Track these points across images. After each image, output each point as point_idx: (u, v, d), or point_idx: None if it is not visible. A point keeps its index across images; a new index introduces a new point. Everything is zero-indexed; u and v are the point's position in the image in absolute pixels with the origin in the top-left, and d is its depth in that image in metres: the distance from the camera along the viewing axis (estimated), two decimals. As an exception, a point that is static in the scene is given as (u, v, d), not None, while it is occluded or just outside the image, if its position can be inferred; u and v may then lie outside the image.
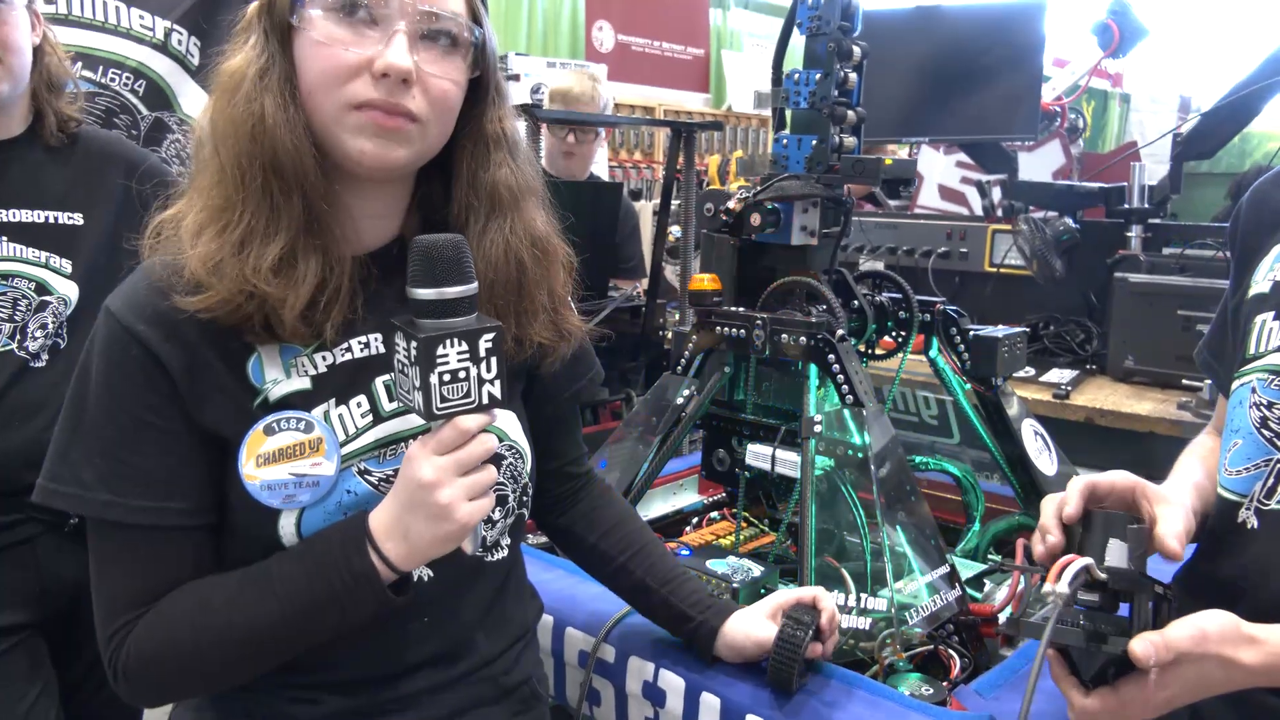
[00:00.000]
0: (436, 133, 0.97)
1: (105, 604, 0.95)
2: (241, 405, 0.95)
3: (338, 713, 1.02)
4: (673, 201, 2.90)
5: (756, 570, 1.48)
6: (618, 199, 3.04)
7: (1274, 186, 1.17)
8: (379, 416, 1.00)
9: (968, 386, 1.70)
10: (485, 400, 0.90)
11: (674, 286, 3.15)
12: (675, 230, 3.33)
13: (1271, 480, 1.02)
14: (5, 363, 1.54)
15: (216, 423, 0.94)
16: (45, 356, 1.57)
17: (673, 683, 1.24)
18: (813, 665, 1.20)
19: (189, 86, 2.26)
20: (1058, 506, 1.00)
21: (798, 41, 1.56)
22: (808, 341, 1.47)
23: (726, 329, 1.58)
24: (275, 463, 0.94)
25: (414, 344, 0.86)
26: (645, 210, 4.19)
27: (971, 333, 1.66)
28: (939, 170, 4.20)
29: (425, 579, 1.03)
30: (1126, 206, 2.86)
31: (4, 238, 1.55)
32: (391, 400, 1.00)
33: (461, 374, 0.88)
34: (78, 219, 1.62)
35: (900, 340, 1.69)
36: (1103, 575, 0.92)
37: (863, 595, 1.32)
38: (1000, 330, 1.66)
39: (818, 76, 1.51)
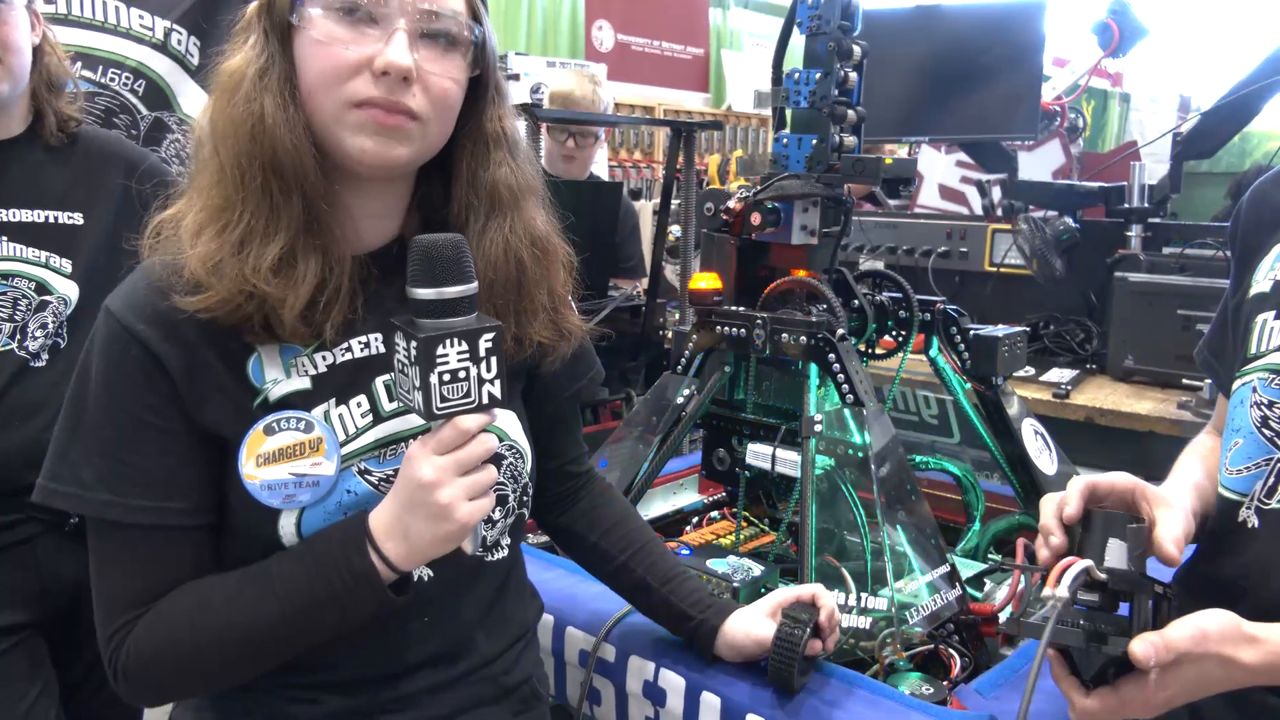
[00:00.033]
0: (437, 131, 0.97)
1: (105, 604, 0.95)
2: (241, 405, 0.95)
3: (338, 712, 1.02)
4: (673, 201, 2.90)
5: (757, 570, 1.48)
6: (617, 198, 3.04)
7: (1274, 186, 1.17)
8: (379, 416, 1.00)
9: (968, 386, 1.70)
10: (485, 400, 0.89)
11: (674, 286, 3.15)
12: (675, 230, 3.33)
13: (1272, 479, 1.02)
14: (5, 362, 1.54)
15: (216, 422, 0.94)
16: (45, 356, 1.57)
17: (673, 682, 1.24)
18: (813, 663, 1.20)
19: (189, 86, 2.26)
20: (1058, 506, 1.00)
21: (798, 41, 1.56)
22: (808, 341, 1.47)
23: (727, 328, 1.58)
24: (275, 462, 0.94)
25: (414, 344, 0.86)
26: (645, 210, 4.19)
27: (972, 332, 1.66)
28: (939, 170, 4.20)
29: (425, 579, 1.03)
30: (1126, 206, 2.86)
31: (4, 237, 1.55)
32: (392, 400, 1.00)
33: (461, 374, 0.88)
34: (78, 219, 1.62)
35: (900, 340, 1.69)
36: (1102, 575, 0.92)
37: (863, 594, 1.32)
38: (1000, 330, 1.66)
39: (818, 76, 1.51)
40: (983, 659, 1.39)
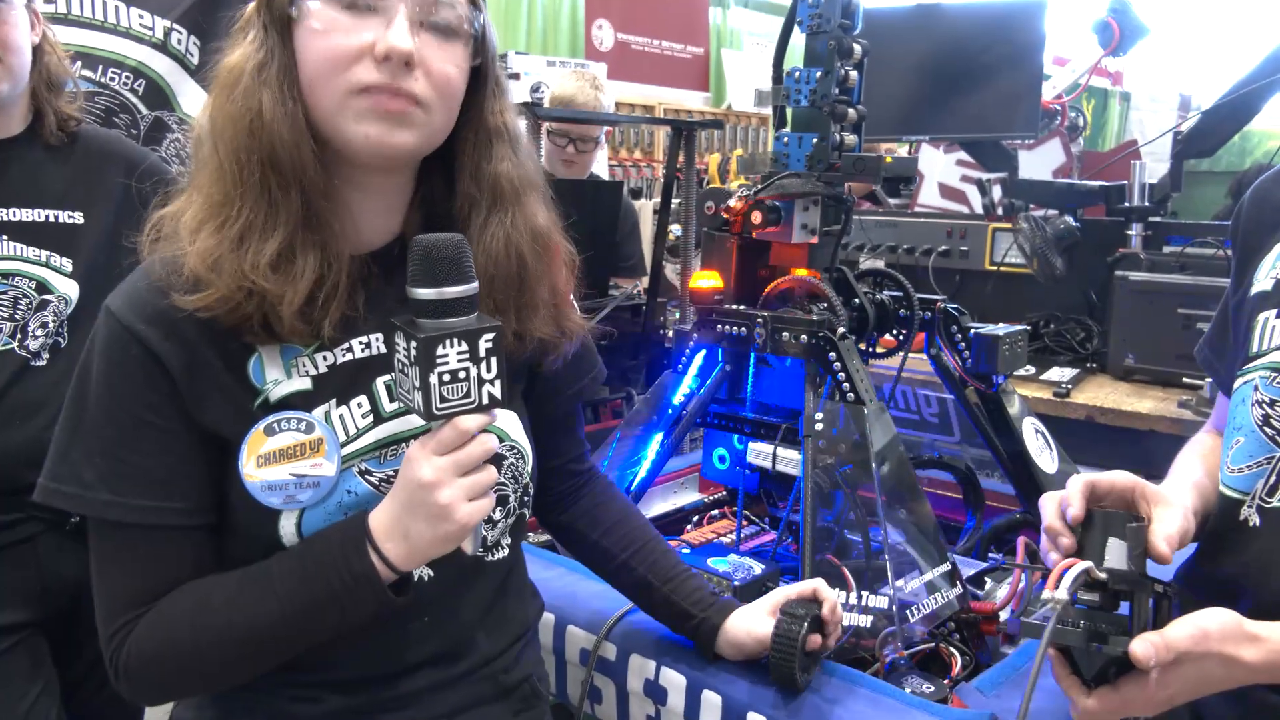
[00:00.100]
0: (441, 118, 0.97)
1: (106, 603, 0.95)
2: (242, 405, 0.95)
3: (338, 711, 1.02)
4: (673, 200, 2.90)
5: (757, 568, 1.48)
6: (618, 197, 3.03)
7: (1275, 184, 1.17)
8: (380, 417, 1.00)
9: (969, 385, 1.70)
10: (485, 400, 0.89)
11: (674, 285, 3.14)
12: (676, 229, 3.33)
13: (1273, 478, 1.02)
14: (6, 362, 1.54)
15: (216, 422, 0.94)
16: (46, 355, 1.57)
17: (674, 680, 1.24)
18: (816, 660, 1.19)
19: (188, 86, 2.26)
20: (1059, 506, 1.00)
21: (798, 40, 1.56)
22: (809, 339, 1.47)
23: (727, 327, 1.58)
24: (276, 463, 0.94)
25: (414, 344, 0.86)
26: (645, 209, 4.20)
27: (972, 331, 1.66)
28: (939, 168, 4.20)
29: (425, 579, 1.03)
30: (1127, 205, 2.85)
31: (4, 237, 1.55)
32: (392, 401, 1.00)
33: (461, 374, 0.87)
34: (78, 218, 1.62)
35: (901, 338, 1.69)
36: (1102, 575, 0.92)
37: (864, 593, 1.32)
38: (1001, 328, 1.66)
39: (818, 74, 1.51)
40: (983, 657, 1.39)
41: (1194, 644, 0.87)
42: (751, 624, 1.21)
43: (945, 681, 1.27)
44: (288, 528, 0.95)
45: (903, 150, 3.93)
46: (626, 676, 1.29)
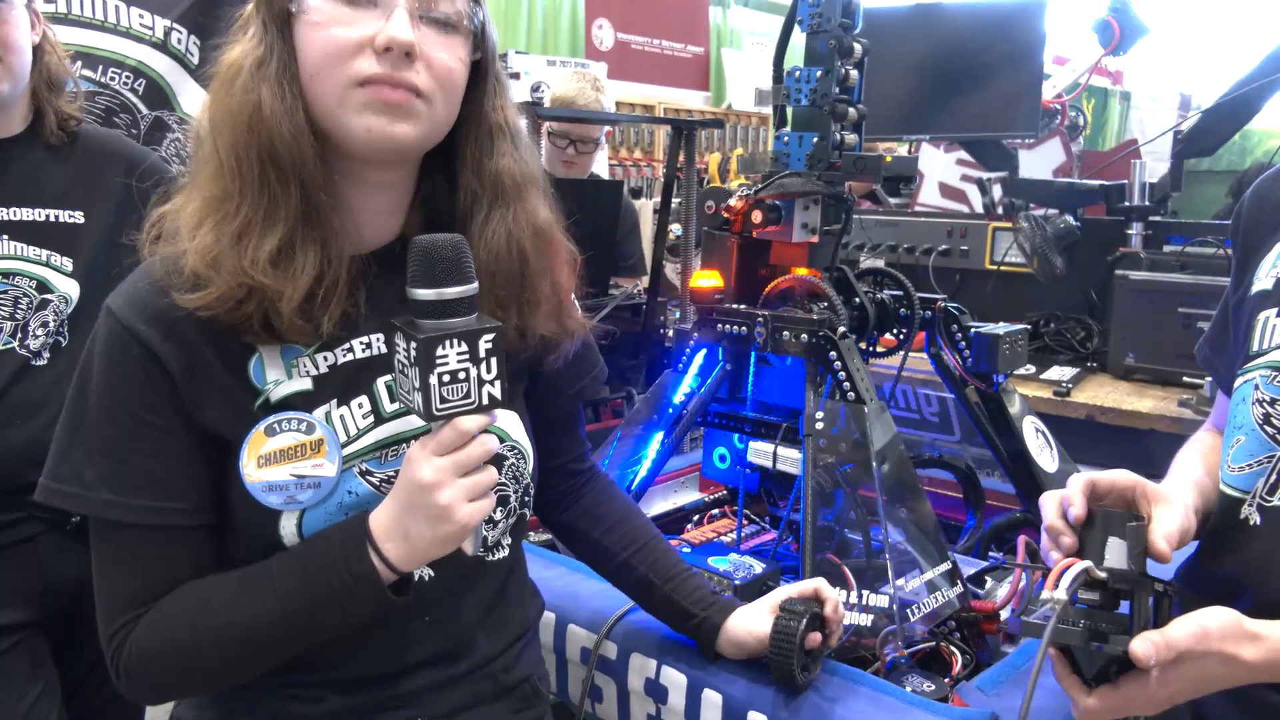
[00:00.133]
0: (442, 111, 0.96)
1: (106, 603, 0.95)
2: (242, 406, 0.95)
3: (338, 710, 1.02)
4: (673, 199, 2.90)
5: (758, 567, 1.48)
6: (618, 197, 3.03)
7: (1276, 183, 1.17)
8: (380, 417, 1.00)
9: (969, 384, 1.70)
10: (485, 401, 0.89)
11: (674, 284, 3.14)
12: (676, 228, 3.33)
13: (1274, 476, 1.02)
14: (6, 361, 1.54)
15: (216, 422, 0.94)
16: (46, 355, 1.57)
17: (675, 679, 1.24)
18: (817, 658, 1.19)
19: (189, 85, 2.26)
20: (1060, 505, 1.00)
21: (799, 39, 1.56)
22: (809, 339, 1.47)
23: (728, 326, 1.58)
24: (276, 463, 0.94)
25: (413, 345, 0.86)
26: (646, 208, 4.20)
27: (972, 330, 1.66)
28: (939, 168, 4.20)
29: (426, 579, 1.03)
30: (1127, 204, 2.85)
31: (4, 236, 1.55)
32: (393, 401, 1.00)
33: (461, 375, 0.87)
34: (78, 217, 1.62)
35: (901, 337, 1.69)
36: (1102, 574, 0.92)
37: (864, 592, 1.32)
38: (1001, 327, 1.66)
39: (819, 74, 1.51)
40: (984, 656, 1.39)
41: (1195, 643, 0.87)
42: (752, 623, 1.21)
43: (946, 680, 1.27)
44: (288, 528, 0.95)
45: (903, 150, 3.93)
46: (627, 675, 1.29)
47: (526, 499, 1.12)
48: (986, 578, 1.59)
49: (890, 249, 3.14)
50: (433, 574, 1.03)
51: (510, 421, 1.08)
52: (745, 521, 1.79)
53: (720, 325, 1.59)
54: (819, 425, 1.44)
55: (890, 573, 1.32)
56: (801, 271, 1.59)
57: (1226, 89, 2.73)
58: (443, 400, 0.87)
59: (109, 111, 2.14)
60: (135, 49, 2.17)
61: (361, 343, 1.00)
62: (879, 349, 1.72)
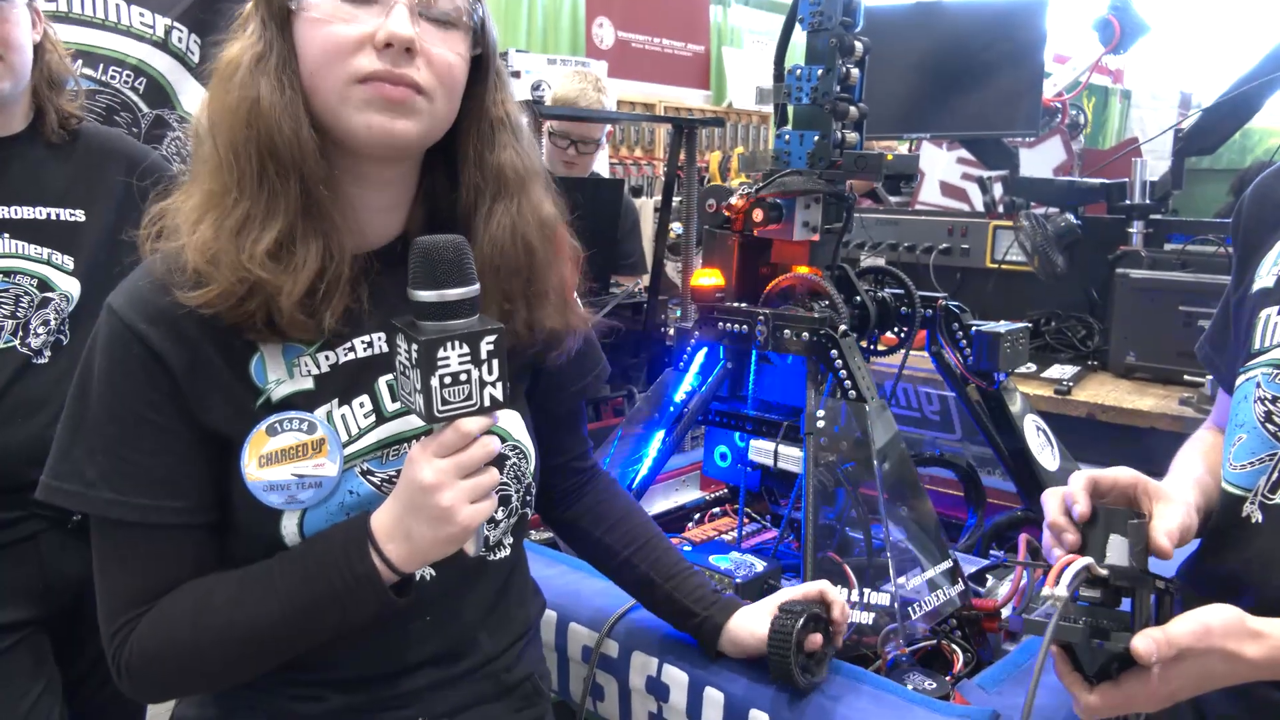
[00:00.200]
0: (443, 107, 0.96)
1: (107, 601, 0.95)
2: (243, 405, 0.94)
3: (339, 710, 1.02)
4: (674, 198, 2.90)
5: (759, 565, 1.48)
6: (618, 196, 3.03)
7: (1276, 181, 1.17)
8: (382, 417, 1.00)
9: (970, 382, 1.70)
10: (487, 403, 0.89)
11: (675, 283, 3.15)
12: (677, 227, 3.33)
13: (1276, 474, 1.02)
14: (8, 359, 1.54)
15: (218, 421, 0.94)
16: (47, 353, 1.58)
17: (676, 678, 1.24)
18: (821, 660, 1.19)
19: (189, 84, 2.26)
20: (1062, 502, 1.00)
21: (799, 37, 1.56)
22: (810, 337, 1.47)
23: (729, 325, 1.58)
24: (278, 463, 0.94)
25: (415, 346, 0.86)
26: (646, 207, 4.20)
27: (973, 328, 1.66)
28: (940, 166, 4.20)
29: (427, 579, 1.03)
30: (1128, 202, 2.85)
31: (6, 234, 1.55)
32: (394, 400, 1.00)
33: (463, 376, 0.87)
34: (79, 216, 1.62)
35: (902, 336, 1.69)
36: (1104, 572, 0.92)
37: (866, 590, 1.32)
38: (1002, 326, 1.66)
39: (819, 72, 1.51)
40: (985, 655, 1.39)
41: (1196, 640, 0.87)
42: (754, 623, 1.20)
43: (947, 678, 1.27)
44: (289, 527, 0.95)
45: (903, 148, 3.93)
46: (629, 674, 1.29)
47: (528, 498, 1.12)
48: (987, 576, 1.59)
49: (891, 247, 3.14)
50: (434, 574, 1.03)
51: (512, 420, 1.08)
52: (746, 520, 1.79)
53: (721, 324, 1.59)
54: (820, 423, 1.44)
55: (891, 571, 1.32)
56: (803, 270, 1.59)
57: (1227, 87, 2.73)
58: (444, 402, 0.86)
59: (110, 110, 2.14)
60: (136, 47, 2.18)
61: (363, 341, 1.00)
62: (880, 347, 1.72)
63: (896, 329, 1.69)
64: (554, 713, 1.23)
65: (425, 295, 0.87)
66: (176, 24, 2.22)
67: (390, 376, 1.00)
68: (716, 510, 1.91)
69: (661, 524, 1.76)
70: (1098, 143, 8.80)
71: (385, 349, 1.01)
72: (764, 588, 1.47)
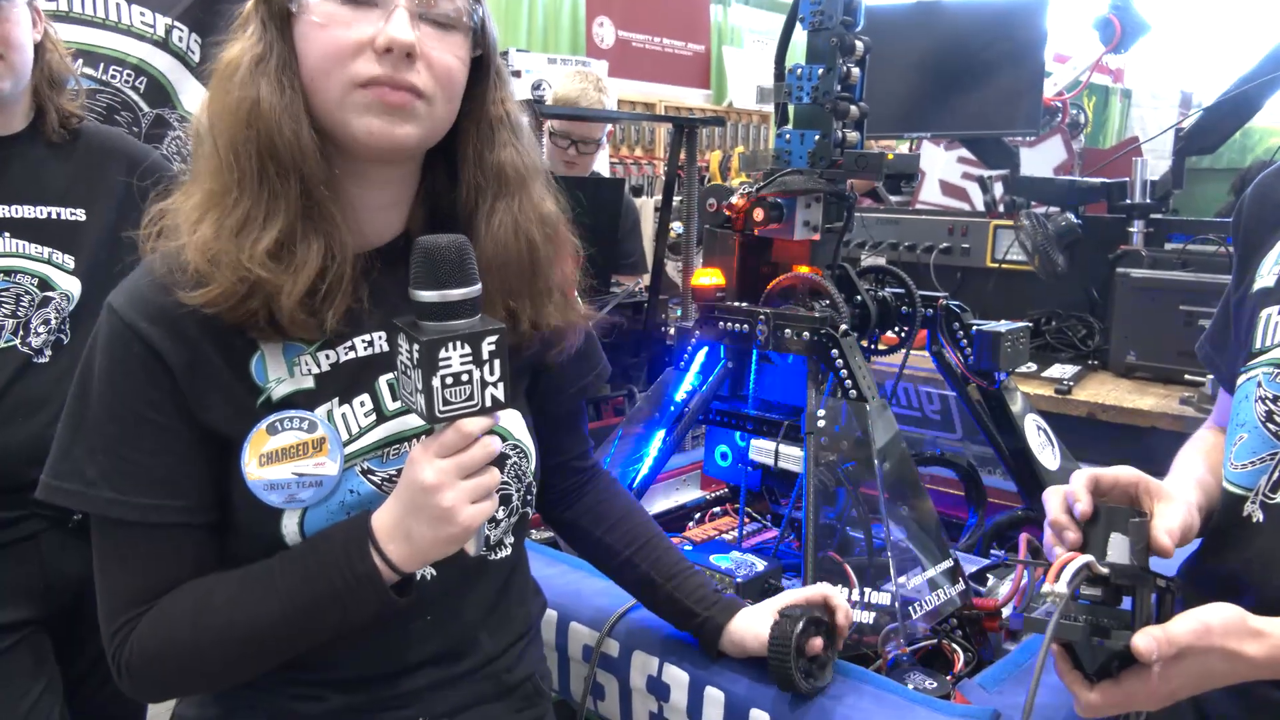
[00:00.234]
0: (443, 111, 0.96)
1: (108, 601, 0.95)
2: (244, 404, 0.94)
3: (340, 709, 1.02)
4: (675, 197, 2.90)
5: (759, 565, 1.48)
6: (619, 195, 3.03)
7: (1277, 180, 1.17)
8: (382, 415, 1.00)
9: (970, 382, 1.70)
10: (488, 403, 0.88)
11: (676, 282, 3.15)
12: (677, 226, 3.34)
13: (1277, 474, 1.02)
14: (8, 359, 1.54)
15: (218, 421, 0.94)
16: (48, 352, 1.58)
17: (677, 677, 1.24)
18: (824, 664, 1.18)
19: (190, 83, 2.26)
20: (1063, 500, 1.00)
21: (800, 37, 1.56)
22: (811, 336, 1.47)
23: (729, 324, 1.58)
24: (278, 462, 0.94)
25: (416, 347, 0.85)
26: (647, 206, 4.20)
27: (974, 328, 1.66)
28: (940, 166, 4.20)
29: (428, 578, 1.03)
30: (1128, 202, 2.85)
31: (6, 233, 1.55)
32: (395, 399, 1.00)
33: (464, 377, 0.87)
34: (80, 215, 1.62)
35: (903, 335, 1.69)
36: (1104, 570, 0.92)
37: (866, 590, 1.32)
38: (1003, 325, 1.66)
39: (820, 71, 1.51)
40: (986, 654, 1.39)
41: (1197, 638, 0.87)
42: (757, 625, 1.20)
43: (948, 678, 1.27)
44: (290, 527, 0.95)
45: (904, 147, 3.93)
46: (629, 673, 1.29)
47: (529, 497, 1.12)
48: (988, 575, 1.59)
49: (891, 247, 3.14)
50: (435, 573, 1.03)
51: (513, 420, 1.08)
52: (747, 519, 1.79)
53: (722, 323, 1.59)
54: (821, 423, 1.44)
55: (892, 570, 1.32)
56: (803, 269, 1.59)
57: (1227, 86, 2.73)
58: (445, 403, 0.86)
59: (110, 109, 2.14)
60: (136, 47, 2.18)
61: (364, 340, 1.00)
62: (880, 347, 1.72)
63: (897, 328, 1.69)
64: (555, 712, 1.23)
65: (427, 295, 0.87)
66: (177, 23, 2.22)
67: (391, 375, 1.00)
68: (717, 510, 1.90)
69: (662, 523, 1.76)
70: (1098, 142, 8.80)
71: (386, 348, 1.01)
72: (765, 587, 1.47)
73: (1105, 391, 2.47)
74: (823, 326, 1.46)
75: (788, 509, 1.68)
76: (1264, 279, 1.11)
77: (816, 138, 1.52)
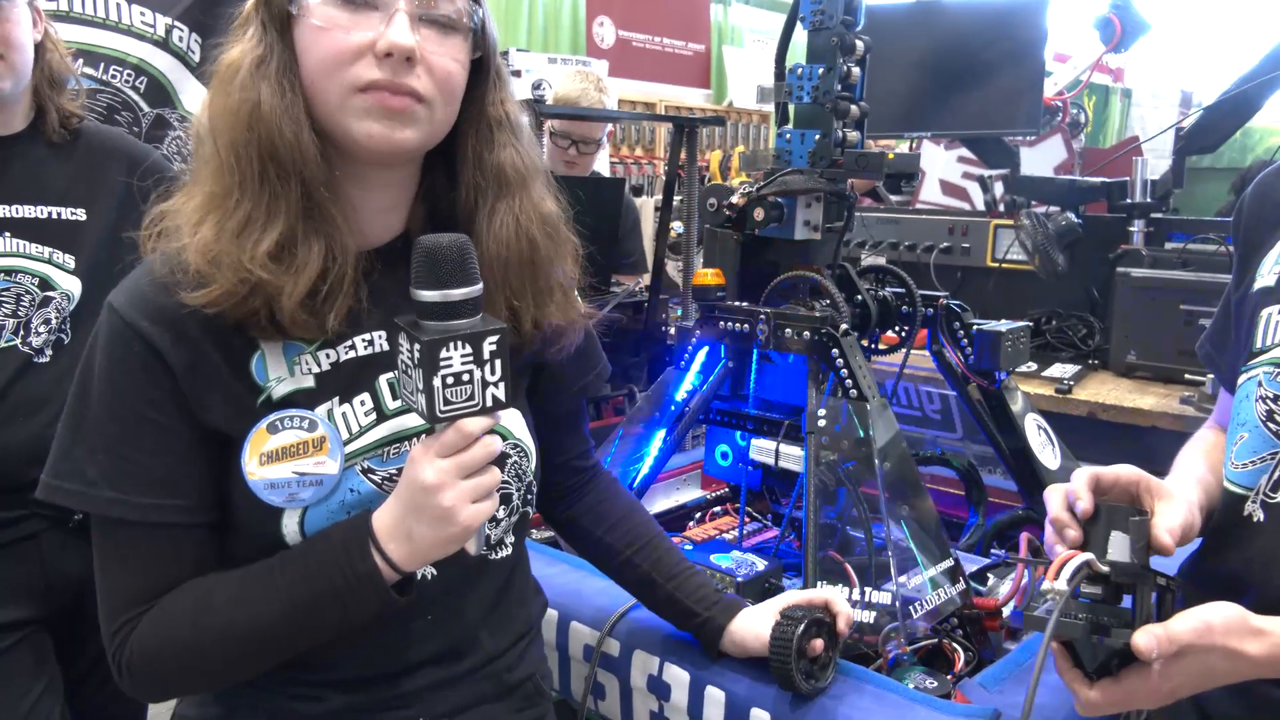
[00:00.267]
0: (443, 114, 0.96)
1: (108, 600, 0.95)
2: (244, 403, 0.94)
3: (340, 709, 1.02)
4: (675, 197, 2.90)
5: (760, 564, 1.48)
6: (619, 195, 3.04)
7: (1277, 180, 1.17)
8: (382, 415, 1.00)
9: (971, 381, 1.70)
10: (489, 403, 0.88)
11: (676, 282, 3.15)
12: (677, 226, 3.34)
13: (1277, 473, 1.02)
14: (9, 358, 1.54)
15: (218, 420, 0.94)
16: (49, 352, 1.58)
17: (678, 676, 1.24)
18: (825, 666, 1.18)
19: (190, 83, 2.27)
20: (1064, 498, 1.00)
21: (800, 36, 1.56)
22: (811, 336, 1.47)
23: (730, 324, 1.58)
24: (279, 461, 0.94)
25: (417, 346, 0.85)
26: (647, 206, 4.20)
27: (974, 327, 1.66)
28: (941, 165, 4.20)
29: (428, 578, 1.03)
30: (1129, 201, 2.85)
31: (7, 233, 1.55)
32: (395, 398, 1.00)
33: (465, 376, 0.86)
34: (80, 215, 1.62)
35: (903, 335, 1.69)
36: (1104, 568, 0.92)
37: (867, 589, 1.32)
38: (1003, 325, 1.66)
39: (821, 71, 1.51)
40: (986, 654, 1.39)
41: (1197, 637, 0.87)
42: (758, 625, 1.20)
43: (949, 677, 1.27)
44: (290, 526, 0.95)
45: (904, 147, 3.94)
46: (630, 672, 1.29)
47: (529, 497, 1.12)
48: (988, 575, 1.59)
49: (892, 246, 3.14)
50: (435, 573, 1.03)
51: (513, 419, 1.08)
52: (747, 519, 1.79)
53: (722, 322, 1.59)
54: (821, 423, 1.44)
55: (893, 570, 1.32)
56: (803, 269, 1.59)
57: (1228, 86, 2.73)
58: (446, 402, 0.86)
59: (110, 109, 2.14)
60: (137, 47, 2.18)
61: (364, 339, 1.00)
62: (881, 346, 1.72)
63: (897, 328, 1.69)
64: (555, 711, 1.23)
65: (428, 295, 0.87)
66: (177, 23, 2.22)
67: (391, 374, 1.00)
68: (717, 509, 1.90)
69: (663, 523, 1.76)
70: (1098, 141, 8.80)
71: (386, 347, 1.01)
72: (765, 587, 1.47)
73: (1105, 391, 2.47)
74: (823, 326, 1.46)
75: (788, 508, 1.68)
76: (1264, 278, 1.11)
77: (817, 137, 1.52)
